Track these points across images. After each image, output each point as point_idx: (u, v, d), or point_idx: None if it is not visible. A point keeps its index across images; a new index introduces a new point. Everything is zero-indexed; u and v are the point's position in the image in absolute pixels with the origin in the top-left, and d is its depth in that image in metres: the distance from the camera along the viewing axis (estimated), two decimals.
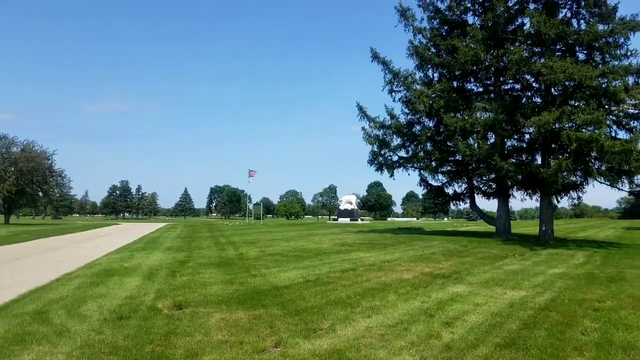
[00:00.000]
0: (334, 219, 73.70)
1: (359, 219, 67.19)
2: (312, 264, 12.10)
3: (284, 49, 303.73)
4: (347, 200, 69.28)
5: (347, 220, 60.88)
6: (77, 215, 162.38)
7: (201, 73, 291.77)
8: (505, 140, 23.39)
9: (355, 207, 70.15)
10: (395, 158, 27.03)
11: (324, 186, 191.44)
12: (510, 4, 22.16)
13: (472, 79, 25.25)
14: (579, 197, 23.76)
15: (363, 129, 26.44)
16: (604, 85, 19.28)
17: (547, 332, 5.61)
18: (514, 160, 23.36)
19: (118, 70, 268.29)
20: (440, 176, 27.49)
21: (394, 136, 26.32)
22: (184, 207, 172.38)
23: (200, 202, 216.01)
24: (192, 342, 5.13)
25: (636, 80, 19.94)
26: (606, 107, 20.14)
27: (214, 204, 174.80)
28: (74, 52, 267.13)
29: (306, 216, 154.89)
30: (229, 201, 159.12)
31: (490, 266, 12.06)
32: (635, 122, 20.79)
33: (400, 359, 4.57)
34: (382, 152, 27.03)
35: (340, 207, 70.77)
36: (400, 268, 11.33)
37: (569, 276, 10.39)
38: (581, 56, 21.16)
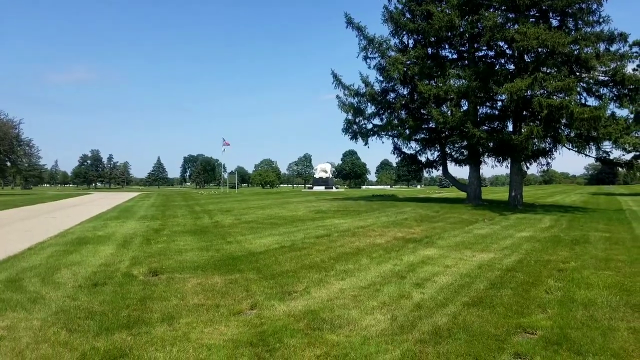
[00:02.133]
0: (309, 188, 74.01)
1: (334, 187, 67.67)
2: (287, 230, 12.23)
3: (258, 16, 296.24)
4: (322, 169, 69.46)
5: (322, 188, 61.23)
6: (48, 185, 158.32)
7: (174, 42, 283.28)
8: (478, 107, 23.71)
9: (330, 176, 70.46)
10: (369, 126, 27.18)
11: (299, 155, 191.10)
12: None
13: (446, 46, 25.26)
14: (547, 164, 24.46)
15: (338, 97, 26.40)
16: (575, 52, 19.61)
17: (513, 291, 5.86)
18: (486, 127, 23.78)
19: (85, 37, 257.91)
20: (413, 144, 27.87)
21: (369, 104, 26.38)
22: (158, 177, 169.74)
23: (173, 171, 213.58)
24: (169, 306, 5.19)
25: (607, 47, 20.32)
26: (577, 74, 20.55)
27: (188, 174, 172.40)
28: (31, 20, 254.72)
29: (281, 185, 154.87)
30: (203, 170, 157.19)
31: (460, 230, 12.42)
32: (605, 89, 21.29)
33: (372, 318, 4.73)
34: (357, 120, 27.10)
35: (315, 176, 70.95)
36: (373, 233, 11.56)
37: (536, 239, 10.79)
38: (554, 22, 21.35)
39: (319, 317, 4.75)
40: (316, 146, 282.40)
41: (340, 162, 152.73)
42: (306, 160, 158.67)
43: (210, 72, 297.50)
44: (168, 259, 8.07)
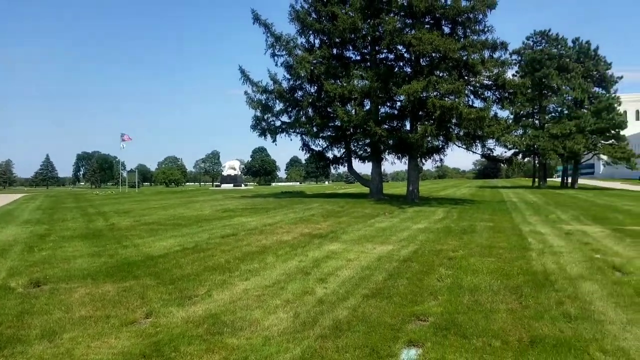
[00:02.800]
0: (217, 186, 72.16)
1: (243, 185, 66.75)
2: (191, 231, 11.81)
3: (162, 6, 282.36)
4: (231, 166, 68.11)
5: (230, 186, 60.09)
6: None
7: (62, 28, 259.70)
8: (380, 107, 24.78)
9: (239, 173, 69.39)
10: (278, 123, 27.20)
11: (206, 152, 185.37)
12: None
13: (350, 47, 26.02)
14: (441, 160, 26.41)
15: (246, 93, 26.08)
16: (464, 58, 21.23)
17: (408, 280, 6.22)
18: (386, 126, 24.90)
19: None
20: (321, 141, 28.38)
21: (277, 101, 26.40)
22: (46, 176, 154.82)
23: (65, 170, 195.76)
24: (50, 320, 4.74)
25: (491, 54, 22.21)
26: (466, 78, 22.30)
27: (82, 172, 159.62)
28: None
29: (187, 183, 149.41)
30: (99, 169, 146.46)
31: (363, 224, 12.93)
32: (489, 92, 23.32)
33: (275, 317, 4.75)
34: (265, 117, 27.00)
35: (223, 173, 69.35)
36: (280, 231, 11.61)
37: (430, 230, 11.58)
38: (446, 30, 22.88)
39: (220, 320, 4.65)
40: (225, 143, 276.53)
41: (250, 159, 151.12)
42: (214, 158, 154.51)
43: (108, 62, 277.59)
44: (53, 267, 7.38)
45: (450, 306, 4.99)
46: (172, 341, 4.12)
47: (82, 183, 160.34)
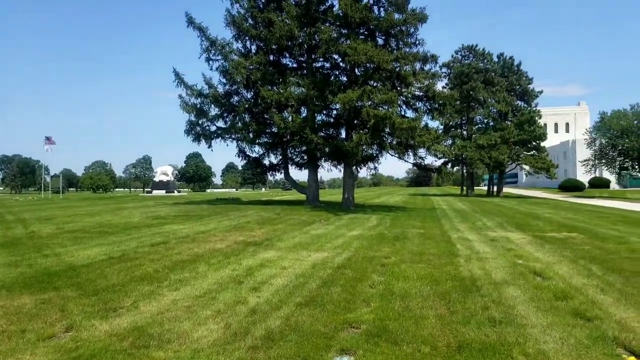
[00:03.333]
0: (148, 192, 69.35)
1: (176, 191, 64.69)
2: (119, 239, 11.23)
3: (92, 4, 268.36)
4: (163, 172, 65.81)
5: (162, 192, 58.05)
6: None
7: None
8: (316, 114, 25.00)
9: (172, 179, 67.18)
10: (213, 128, 26.74)
11: (137, 157, 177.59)
12: None
13: (287, 54, 26.11)
14: (375, 168, 27.13)
15: (180, 96, 25.41)
16: (397, 69, 21.99)
17: (342, 288, 6.26)
18: (323, 133, 25.18)
19: None
20: (257, 147, 28.19)
21: (212, 106, 25.92)
22: None
23: None
24: None
25: (422, 66, 23.15)
26: (398, 88, 23.08)
27: (0, 176, 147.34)
28: None
29: (117, 189, 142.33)
30: (20, 173, 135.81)
31: (299, 232, 12.92)
32: (420, 103, 24.32)
33: (205, 328, 4.60)
34: (200, 122, 26.43)
35: (155, 179, 66.88)
36: (214, 238, 11.33)
37: (364, 237, 11.78)
38: (380, 41, 23.61)
39: (146, 333, 4.44)
40: (157, 148, 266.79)
41: (184, 165, 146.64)
42: (145, 163, 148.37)
43: (30, 61, 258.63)
44: None
45: (382, 313, 5.06)
46: (93, 356, 3.88)
47: (1, 188, 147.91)
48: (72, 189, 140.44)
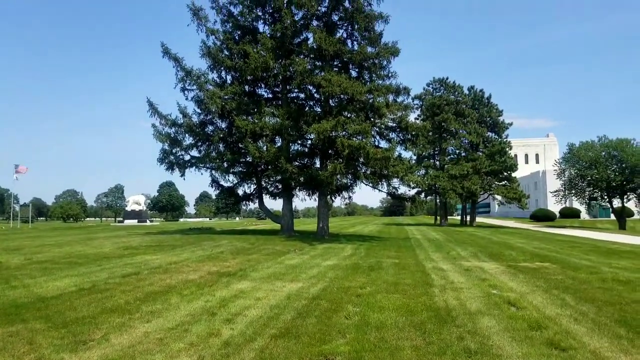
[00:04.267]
0: (119, 221, 67.69)
1: (149, 221, 63.34)
2: (89, 270, 10.92)
3: (70, 35, 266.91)
4: (135, 201, 64.49)
5: (135, 222, 56.71)
6: None
7: None
8: (291, 144, 25.20)
9: (144, 208, 65.83)
10: (187, 157, 26.59)
11: (109, 186, 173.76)
12: (296, 18, 23.93)
13: (262, 85, 26.41)
14: (349, 197, 27.29)
15: (153, 125, 25.31)
16: (370, 101, 22.46)
17: (317, 319, 6.23)
18: (297, 163, 25.31)
19: None
20: (231, 177, 28.12)
21: (186, 135, 25.84)
22: None
23: None
24: None
25: (395, 98, 23.72)
26: (372, 119, 23.52)
27: None
28: None
29: (88, 219, 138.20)
30: None
31: (273, 262, 12.83)
32: (393, 133, 24.81)
33: None
34: (174, 151, 26.27)
35: (127, 209, 65.38)
36: (187, 269, 11.15)
37: (339, 267, 11.77)
38: (354, 73, 24.18)
39: None
40: (130, 177, 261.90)
41: (157, 193, 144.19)
42: (117, 192, 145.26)
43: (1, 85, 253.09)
44: None
45: (358, 344, 5.06)
46: None
47: None
48: (42, 218, 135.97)
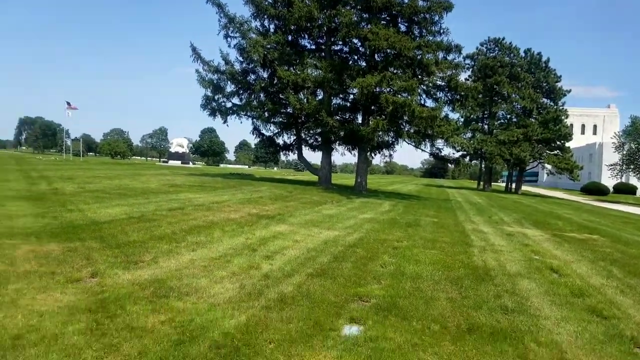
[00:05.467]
0: (164, 162, 70.08)
1: (191, 163, 65.34)
2: (137, 202, 11.52)
3: None
4: (179, 143, 66.44)
5: (178, 163, 58.60)
6: None
7: None
8: (333, 97, 24.91)
9: (187, 151, 67.86)
10: (229, 104, 26.76)
11: (154, 127, 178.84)
12: None
13: (306, 36, 25.80)
14: (390, 155, 27.04)
15: (197, 71, 25.46)
16: (419, 57, 21.71)
17: (353, 264, 6.38)
18: (338, 117, 25.10)
19: None
20: (272, 126, 28.18)
21: (229, 82, 25.89)
22: None
23: (6, 133, 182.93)
24: None
25: (445, 55, 22.84)
26: (419, 76, 22.83)
27: (24, 137, 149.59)
28: None
29: (134, 157, 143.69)
30: (42, 135, 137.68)
31: (310, 210, 13.07)
32: (441, 93, 24.02)
33: (221, 287, 4.79)
34: (216, 98, 26.45)
35: (171, 150, 67.54)
36: (228, 209, 11.53)
37: (376, 220, 11.88)
38: (402, 28, 23.25)
39: (166, 285, 4.65)
40: (173, 120, 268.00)
41: (199, 138, 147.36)
42: (162, 134, 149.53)
43: (53, 27, 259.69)
44: None
45: (392, 290, 5.17)
46: (118, 300, 4.10)
47: (24, 147, 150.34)
48: (91, 153, 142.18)
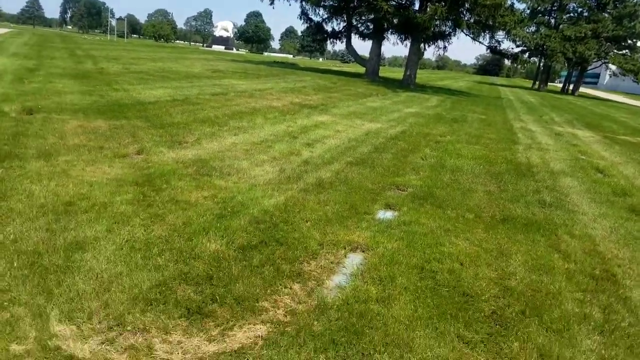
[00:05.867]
0: (207, 46, 69.26)
1: (235, 49, 64.36)
2: (181, 85, 11.64)
3: None
4: (223, 27, 65.04)
5: (221, 48, 57.98)
6: None
7: None
8: None
9: (232, 36, 66.60)
10: None
11: (198, 9, 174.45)
12: None
13: None
14: (445, 47, 25.43)
15: None
16: None
17: (393, 155, 6.37)
18: (393, 2, 23.42)
19: None
20: (321, 10, 26.74)
21: None
22: (32, 15, 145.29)
23: (52, 11, 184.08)
24: (45, 144, 4.88)
25: None
26: None
27: (69, 15, 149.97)
28: None
29: (177, 41, 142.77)
30: (87, 13, 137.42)
31: (354, 102, 12.83)
32: None
33: (261, 169, 4.91)
34: None
35: (215, 34, 66.50)
36: (270, 97, 11.49)
37: (421, 115, 11.59)
38: None
39: (208, 165, 4.80)
40: (218, 1, 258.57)
41: (244, 23, 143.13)
42: (206, 16, 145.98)
43: None
44: (44, 99, 7.38)
45: (430, 181, 5.18)
46: (163, 175, 4.28)
47: (69, 27, 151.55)
48: (134, 35, 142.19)
